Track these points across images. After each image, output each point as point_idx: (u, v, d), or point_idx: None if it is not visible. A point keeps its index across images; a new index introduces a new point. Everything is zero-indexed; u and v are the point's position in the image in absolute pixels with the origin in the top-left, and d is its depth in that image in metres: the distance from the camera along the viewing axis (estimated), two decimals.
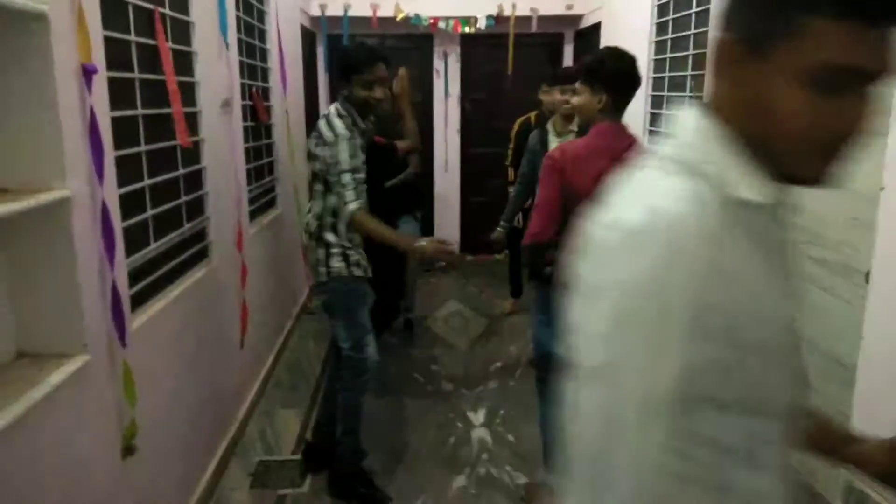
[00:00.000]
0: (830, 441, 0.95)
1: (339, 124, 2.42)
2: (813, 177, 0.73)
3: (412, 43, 5.86)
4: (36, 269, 1.59)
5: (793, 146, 0.71)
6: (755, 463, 0.73)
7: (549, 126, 3.54)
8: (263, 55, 3.79)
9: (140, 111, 2.10)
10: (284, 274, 4.05)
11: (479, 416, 3.26)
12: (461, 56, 5.91)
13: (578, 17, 5.58)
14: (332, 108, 2.50)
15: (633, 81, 2.21)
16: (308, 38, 5.23)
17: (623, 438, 0.69)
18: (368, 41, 5.68)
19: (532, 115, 4.31)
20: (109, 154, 1.80)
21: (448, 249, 2.50)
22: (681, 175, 0.74)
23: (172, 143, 2.30)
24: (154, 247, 2.20)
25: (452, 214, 6.20)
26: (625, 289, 0.70)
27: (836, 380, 2.36)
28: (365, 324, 2.55)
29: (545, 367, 2.46)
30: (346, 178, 2.37)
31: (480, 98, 6.00)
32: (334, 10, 5.30)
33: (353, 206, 2.38)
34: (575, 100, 2.28)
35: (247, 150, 3.33)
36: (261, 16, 3.73)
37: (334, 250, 2.46)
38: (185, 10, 2.48)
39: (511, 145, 4.40)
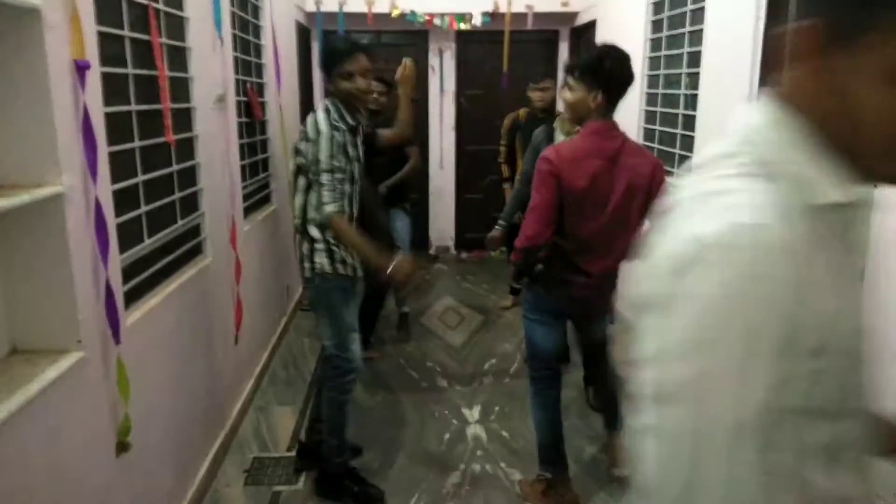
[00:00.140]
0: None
1: (323, 121, 2.34)
2: None
3: (408, 39, 5.85)
4: (29, 265, 1.59)
5: (879, 144, 0.67)
6: (838, 466, 0.71)
7: (557, 124, 3.54)
8: (258, 51, 3.78)
9: (134, 107, 2.09)
10: (279, 270, 4.05)
11: (473, 413, 3.26)
12: (457, 53, 5.91)
13: (574, 15, 5.58)
14: (322, 104, 2.47)
15: (629, 80, 2.22)
16: (303, 33, 5.21)
17: (711, 460, 0.66)
18: (364, 37, 5.67)
19: (521, 111, 4.35)
20: (103, 150, 1.80)
21: (415, 277, 2.39)
22: (757, 178, 0.70)
23: (166, 139, 2.30)
24: (148, 243, 2.19)
25: (447, 211, 6.20)
26: (706, 306, 0.66)
27: None
28: (350, 322, 2.49)
29: (539, 365, 2.47)
30: (325, 177, 2.31)
31: (476, 95, 5.99)
32: (329, 5, 5.28)
33: (329, 208, 2.31)
34: (568, 96, 2.24)
35: (241, 147, 3.32)
36: (255, 11, 3.71)
37: (319, 246, 2.41)
38: (180, 6, 2.47)
39: (503, 142, 4.42)
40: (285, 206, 4.19)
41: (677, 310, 0.68)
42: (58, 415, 1.57)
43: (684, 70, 3.51)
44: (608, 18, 4.79)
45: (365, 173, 2.60)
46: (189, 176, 2.58)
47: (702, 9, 3.24)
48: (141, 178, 2.14)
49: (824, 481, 0.71)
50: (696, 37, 3.33)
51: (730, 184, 0.71)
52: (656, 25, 3.92)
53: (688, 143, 3.43)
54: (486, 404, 3.35)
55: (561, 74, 5.92)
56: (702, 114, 3.26)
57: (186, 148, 2.54)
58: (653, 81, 3.97)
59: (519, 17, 5.42)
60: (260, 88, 3.81)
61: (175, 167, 2.42)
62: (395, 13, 5.36)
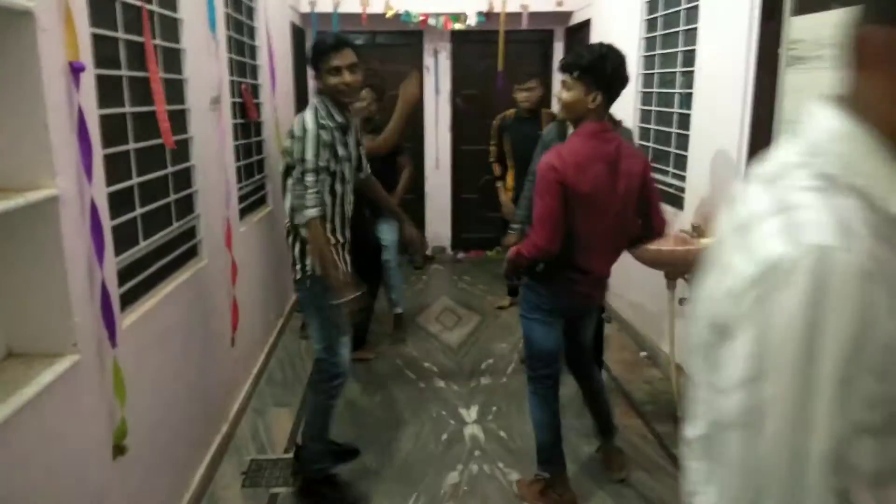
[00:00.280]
0: None
1: (309, 120, 2.30)
2: None
3: (402, 40, 5.85)
4: (24, 268, 1.58)
5: None
6: (891, 490, 0.69)
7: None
8: (253, 52, 3.78)
9: (128, 109, 2.09)
10: (275, 271, 4.04)
11: (471, 413, 3.26)
12: (451, 53, 5.91)
13: (568, 14, 5.58)
14: (311, 102, 2.43)
15: (626, 82, 2.25)
16: (298, 34, 5.20)
17: (774, 491, 0.65)
18: (358, 38, 5.67)
19: (509, 112, 4.41)
20: (98, 152, 1.79)
21: (353, 299, 2.36)
22: (825, 192, 0.67)
23: (161, 140, 2.29)
24: (143, 245, 2.19)
25: (444, 211, 6.19)
26: (767, 329, 0.65)
27: None
28: (339, 325, 2.45)
29: (537, 365, 2.46)
30: (310, 178, 2.27)
31: (471, 95, 5.99)
32: (324, 6, 5.28)
33: (310, 212, 2.28)
34: (566, 95, 2.22)
35: (236, 148, 3.32)
36: (250, 12, 3.71)
37: (309, 247, 2.38)
38: (174, 7, 2.47)
39: (493, 142, 4.46)
40: (281, 208, 4.17)
41: (739, 334, 0.67)
42: (54, 418, 1.56)
43: (679, 69, 3.52)
44: (602, 18, 4.80)
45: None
46: (184, 178, 2.57)
47: (696, 7, 3.25)
48: (136, 180, 2.14)
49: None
50: (691, 35, 3.33)
51: (797, 198, 0.68)
52: (651, 24, 3.93)
53: (683, 142, 3.44)
54: (484, 404, 3.35)
55: (556, 75, 5.95)
56: (697, 112, 3.26)
57: (181, 150, 2.53)
58: (647, 80, 3.98)
59: (513, 16, 5.43)
60: (255, 90, 3.80)
61: (170, 169, 2.42)
62: (389, 14, 5.36)
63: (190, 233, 2.63)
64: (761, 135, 2.72)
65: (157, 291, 2.26)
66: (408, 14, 5.38)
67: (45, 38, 1.53)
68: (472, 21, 5.46)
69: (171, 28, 2.45)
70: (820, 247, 0.64)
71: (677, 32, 3.52)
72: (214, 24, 2.85)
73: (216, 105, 2.89)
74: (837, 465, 0.65)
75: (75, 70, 1.64)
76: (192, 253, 2.64)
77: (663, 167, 3.69)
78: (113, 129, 1.98)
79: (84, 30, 1.74)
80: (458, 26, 5.50)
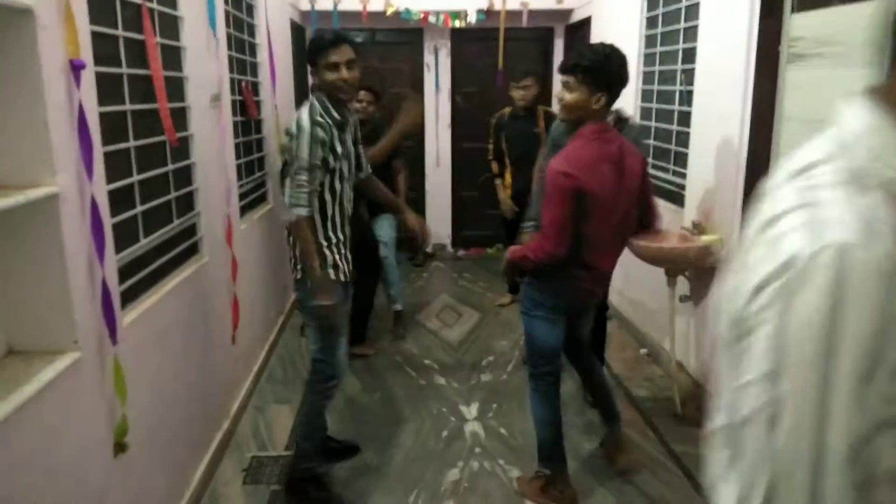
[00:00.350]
0: None
1: (304, 117, 2.28)
2: None
3: (402, 37, 5.84)
4: (25, 266, 1.58)
5: None
6: None
7: None
8: (253, 50, 3.78)
9: (128, 106, 2.09)
10: (276, 269, 4.04)
11: (471, 410, 3.26)
12: (452, 51, 5.90)
13: (569, 12, 5.58)
14: (309, 99, 2.40)
15: (627, 81, 2.25)
16: (298, 32, 5.20)
17: (793, 485, 0.65)
18: (359, 35, 5.67)
19: (506, 110, 4.44)
20: (98, 150, 1.79)
21: (331, 316, 2.35)
22: (848, 188, 0.67)
23: (161, 138, 2.29)
24: (144, 243, 2.19)
25: (444, 209, 6.19)
26: (786, 325, 0.64)
27: None
28: (338, 326, 2.43)
29: (539, 362, 2.46)
30: (302, 177, 2.25)
31: (471, 92, 5.99)
32: (324, 4, 5.27)
33: (299, 210, 2.27)
34: (568, 97, 2.19)
35: (237, 146, 3.32)
36: (250, 10, 3.70)
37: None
38: (174, 5, 2.47)
39: (490, 140, 4.48)
40: (281, 205, 4.18)
41: (758, 329, 0.67)
42: (55, 416, 1.56)
43: (679, 66, 3.51)
44: (603, 15, 4.79)
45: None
46: (185, 175, 2.57)
47: (696, 5, 3.25)
48: (136, 177, 2.14)
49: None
50: (691, 33, 3.33)
51: (822, 194, 0.68)
52: (651, 21, 3.93)
53: (683, 140, 3.44)
54: (484, 401, 3.35)
55: (556, 73, 5.94)
56: (697, 110, 3.26)
57: (182, 147, 2.53)
58: (648, 78, 3.97)
59: (514, 14, 5.42)
60: (255, 87, 3.80)
61: (171, 166, 2.42)
62: (389, 11, 5.36)
63: (190, 230, 2.63)
64: (762, 132, 2.72)
65: (157, 289, 2.26)
66: (408, 11, 5.38)
67: (46, 36, 1.53)
68: (472, 19, 5.46)
69: (171, 26, 2.45)
70: (841, 244, 0.63)
71: (678, 30, 3.52)
72: (214, 21, 2.85)
73: (216, 103, 2.89)
74: (856, 461, 0.65)
75: (75, 67, 1.64)
76: (192, 250, 2.65)
77: (664, 164, 3.69)
78: (113, 127, 1.98)
79: (84, 27, 1.74)
80: (458, 24, 5.50)
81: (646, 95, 4.01)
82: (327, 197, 2.36)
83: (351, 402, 3.35)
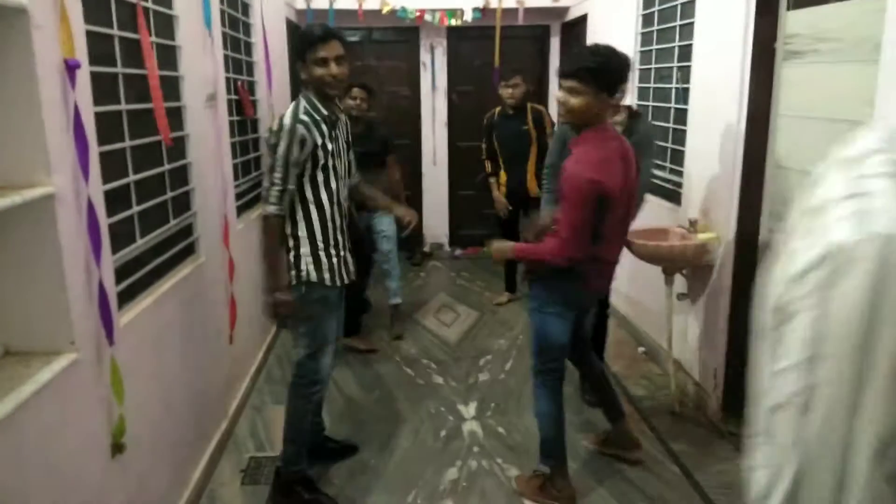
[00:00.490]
0: None
1: (288, 114, 2.23)
2: None
3: (399, 36, 5.84)
4: (21, 266, 1.58)
5: None
6: None
7: None
8: (248, 49, 3.77)
9: (124, 106, 2.08)
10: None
11: (469, 409, 3.26)
12: (448, 49, 5.89)
13: (565, 10, 5.58)
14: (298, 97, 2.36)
15: (627, 79, 2.28)
16: (294, 31, 5.19)
17: (823, 470, 0.65)
18: (354, 34, 5.66)
19: (496, 109, 4.47)
20: (94, 150, 1.79)
21: (284, 317, 2.35)
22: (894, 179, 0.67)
23: (157, 138, 2.28)
24: (141, 243, 2.18)
25: (441, 207, 6.19)
26: (827, 314, 0.65)
27: None
28: (327, 335, 2.40)
29: (548, 359, 2.46)
30: (277, 174, 2.20)
31: (468, 91, 5.98)
32: (320, 2, 5.27)
33: (269, 208, 2.23)
34: (576, 101, 2.15)
35: (233, 145, 3.31)
36: (245, 9, 3.69)
37: (304, 250, 2.30)
38: (169, 4, 2.46)
39: (483, 140, 4.52)
40: None
41: (799, 316, 0.67)
42: (52, 416, 1.56)
43: (675, 64, 3.52)
44: (599, 13, 4.79)
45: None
46: (181, 175, 2.57)
47: (692, 2, 3.25)
48: (132, 177, 2.13)
49: None
50: (687, 30, 3.33)
51: (871, 185, 0.68)
52: (647, 19, 3.93)
53: (680, 137, 3.44)
54: (482, 401, 3.35)
55: (553, 71, 5.94)
56: (694, 108, 3.26)
57: (178, 147, 2.52)
58: (644, 76, 3.97)
59: (509, 12, 5.42)
60: (251, 86, 3.80)
61: (167, 166, 2.41)
62: (385, 10, 5.35)
63: (187, 230, 2.63)
64: (758, 130, 2.72)
65: (154, 289, 2.25)
66: (404, 10, 5.37)
67: (40, 35, 1.52)
68: (468, 17, 5.45)
69: (166, 25, 2.44)
70: (887, 235, 0.63)
71: (674, 27, 3.52)
72: (210, 20, 2.84)
73: (212, 102, 2.89)
74: (885, 455, 0.65)
75: (70, 67, 1.63)
76: (189, 250, 2.64)
77: (660, 162, 3.69)
78: (109, 127, 1.97)
79: (79, 27, 1.73)
80: (454, 22, 5.49)
81: (642, 93, 4.01)
82: (323, 197, 2.31)
83: (349, 402, 3.35)
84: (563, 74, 2.19)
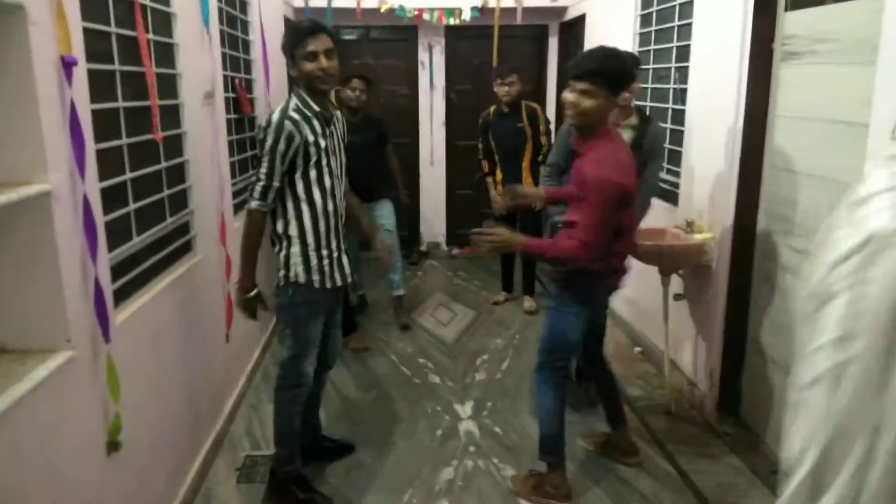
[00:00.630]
0: None
1: (277, 111, 2.21)
2: None
3: (397, 35, 5.83)
4: (17, 264, 1.57)
5: None
6: None
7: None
8: (246, 47, 3.76)
9: (121, 104, 2.08)
10: (270, 266, 4.02)
11: (466, 409, 3.26)
12: (446, 48, 5.89)
13: (563, 9, 5.58)
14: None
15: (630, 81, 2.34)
16: None
17: (850, 444, 0.67)
18: (353, 33, 5.65)
19: (491, 108, 4.47)
20: (90, 147, 1.78)
21: (248, 312, 2.36)
22: None
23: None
24: (137, 241, 2.18)
25: (438, 207, 6.18)
26: (863, 295, 0.67)
27: None
28: (312, 338, 2.37)
29: (558, 356, 2.46)
30: (262, 170, 2.18)
31: (466, 90, 5.98)
32: (318, 0, 5.26)
33: (251, 203, 2.22)
34: (588, 103, 2.14)
35: (230, 143, 3.30)
36: (243, 7, 3.69)
37: (294, 250, 2.27)
38: (166, 1, 2.45)
39: (480, 139, 4.53)
40: None
41: (836, 298, 0.70)
42: (48, 414, 1.55)
43: (673, 64, 3.52)
44: (597, 13, 4.79)
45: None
46: (178, 173, 2.56)
47: (690, 2, 3.25)
48: (129, 175, 2.13)
49: None
50: (685, 31, 3.34)
51: None
52: (645, 19, 3.93)
53: (678, 138, 3.44)
54: (479, 400, 3.35)
55: (551, 70, 5.94)
56: (691, 108, 3.27)
57: (175, 145, 2.52)
58: (642, 76, 3.97)
59: (508, 11, 5.42)
60: (248, 84, 3.79)
61: (163, 164, 2.40)
62: (383, 8, 5.34)
63: (184, 228, 2.62)
64: (755, 130, 2.73)
65: (150, 287, 2.25)
66: (402, 9, 5.37)
67: (37, 32, 1.51)
68: (466, 16, 5.45)
69: (163, 22, 2.44)
70: None
71: (672, 28, 3.53)
72: (207, 18, 2.83)
73: (210, 100, 2.88)
74: None
75: (67, 64, 1.62)
76: (186, 248, 2.64)
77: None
78: (105, 124, 1.97)
79: (76, 24, 1.73)
80: (452, 21, 5.49)
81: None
82: (316, 195, 2.26)
83: (345, 401, 3.34)
84: (576, 76, 2.17)
